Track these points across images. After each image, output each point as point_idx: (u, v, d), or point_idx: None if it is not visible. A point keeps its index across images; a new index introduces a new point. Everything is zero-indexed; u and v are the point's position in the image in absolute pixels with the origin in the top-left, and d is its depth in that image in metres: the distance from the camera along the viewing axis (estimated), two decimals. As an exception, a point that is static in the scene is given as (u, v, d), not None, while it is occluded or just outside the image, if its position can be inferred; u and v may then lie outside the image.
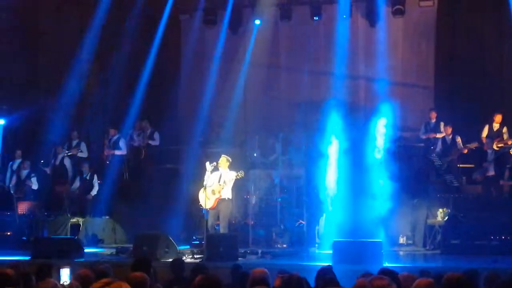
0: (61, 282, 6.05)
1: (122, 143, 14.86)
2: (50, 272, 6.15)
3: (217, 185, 11.23)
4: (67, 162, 14.50)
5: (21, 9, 15.37)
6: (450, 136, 13.71)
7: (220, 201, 11.26)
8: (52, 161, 14.58)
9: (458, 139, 13.67)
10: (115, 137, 14.87)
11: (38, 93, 15.48)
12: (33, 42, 15.62)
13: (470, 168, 13.61)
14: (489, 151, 13.24)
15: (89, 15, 15.45)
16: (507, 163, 12.99)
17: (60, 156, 14.47)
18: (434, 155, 13.54)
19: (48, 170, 14.54)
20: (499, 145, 13.38)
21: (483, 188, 13.13)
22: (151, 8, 15.83)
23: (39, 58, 15.87)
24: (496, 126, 13.59)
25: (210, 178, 11.26)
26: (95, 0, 15.43)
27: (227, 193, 11.36)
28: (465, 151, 13.52)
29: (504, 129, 13.54)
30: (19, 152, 14.36)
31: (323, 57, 15.35)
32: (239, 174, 11.34)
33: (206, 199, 11.04)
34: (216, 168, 11.32)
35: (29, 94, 15.27)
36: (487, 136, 13.50)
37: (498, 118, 13.57)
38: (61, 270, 6.41)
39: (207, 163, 11.26)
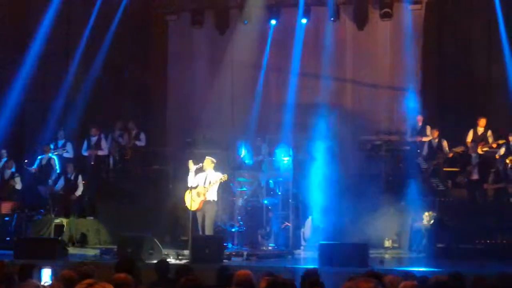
0: (42, 283, 5.97)
1: (104, 143, 14.76)
2: (31, 272, 6.07)
3: (202, 187, 11.21)
4: (54, 162, 14.33)
5: (11, 11, 15.23)
6: (437, 140, 13.73)
7: (205, 203, 11.23)
8: (38, 160, 14.42)
9: (445, 143, 13.70)
10: (95, 138, 14.76)
11: (23, 92, 15.32)
12: (20, 42, 15.49)
13: (456, 172, 13.65)
14: (473, 154, 13.28)
15: (76, 16, 15.37)
16: (492, 167, 13.03)
17: (47, 156, 14.31)
18: (420, 158, 13.57)
19: (32, 169, 14.37)
20: (484, 149, 13.44)
21: (468, 192, 13.17)
22: (138, 8, 15.78)
23: (25, 58, 15.71)
24: (480, 130, 13.64)
25: (195, 180, 11.23)
26: (82, 1, 15.35)
27: (212, 195, 11.34)
28: (451, 155, 13.56)
29: (489, 133, 13.60)
30: (3, 152, 14.19)
31: (311, 59, 15.35)
32: (223, 177, 11.31)
33: (192, 201, 11.01)
34: (201, 170, 11.29)
35: (14, 93, 15.10)
36: (472, 140, 13.55)
37: (482, 122, 13.63)
38: (42, 270, 6.33)
39: (190, 162, 11.24)
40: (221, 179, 11.28)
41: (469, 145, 13.49)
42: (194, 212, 11.24)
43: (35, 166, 14.25)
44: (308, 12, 15.39)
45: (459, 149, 13.44)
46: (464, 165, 13.35)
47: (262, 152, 13.81)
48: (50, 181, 13.90)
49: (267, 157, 13.60)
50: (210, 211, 11.31)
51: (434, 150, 13.70)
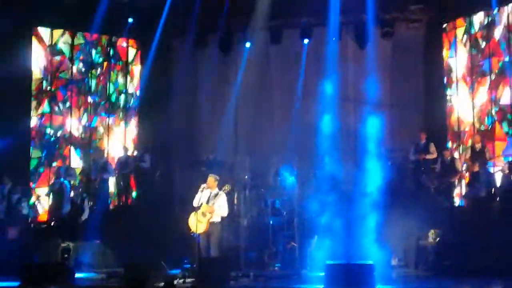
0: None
1: (110, 167, 14.82)
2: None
3: (206, 206, 11.10)
4: (65, 187, 14.31)
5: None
6: (449, 158, 13.71)
7: (211, 224, 11.14)
8: (51, 185, 14.49)
9: (457, 161, 13.72)
10: (102, 161, 14.84)
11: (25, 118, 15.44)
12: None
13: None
14: (481, 171, 13.23)
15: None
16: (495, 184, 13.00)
17: (58, 181, 14.34)
18: (424, 176, 13.57)
19: (45, 195, 14.40)
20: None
21: (475, 209, 13.13)
22: (141, 31, 15.95)
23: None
24: (478, 146, 13.62)
25: (198, 199, 11.14)
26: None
27: (218, 214, 11.25)
28: (464, 174, 13.53)
29: (486, 149, 13.59)
30: (5, 178, 14.16)
31: (313, 79, 15.43)
32: (226, 188, 11.22)
33: (198, 222, 10.93)
34: (205, 190, 11.21)
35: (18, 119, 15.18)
36: (469, 158, 13.56)
37: (477, 138, 13.69)
38: None
39: (203, 185, 11.19)
40: (224, 189, 11.21)
41: (469, 163, 13.51)
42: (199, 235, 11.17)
43: (47, 191, 14.31)
44: (310, 33, 15.52)
45: (475, 167, 13.42)
46: (472, 181, 13.33)
47: (267, 172, 13.86)
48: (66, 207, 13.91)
49: (272, 177, 13.63)
50: (215, 232, 11.25)
51: (447, 167, 13.64)
